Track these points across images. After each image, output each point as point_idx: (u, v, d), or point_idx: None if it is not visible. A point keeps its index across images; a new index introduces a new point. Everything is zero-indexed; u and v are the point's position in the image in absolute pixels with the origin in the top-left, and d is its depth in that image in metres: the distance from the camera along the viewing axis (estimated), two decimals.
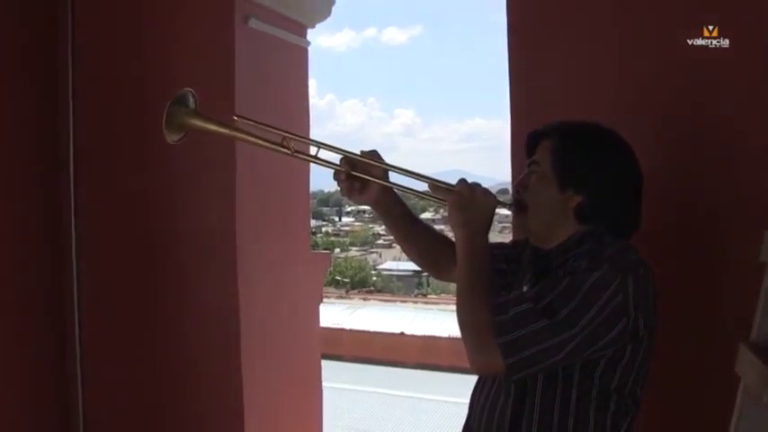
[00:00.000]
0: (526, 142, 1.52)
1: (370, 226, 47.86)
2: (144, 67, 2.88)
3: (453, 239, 1.47)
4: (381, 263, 39.78)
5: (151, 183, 2.90)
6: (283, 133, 1.48)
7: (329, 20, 3.50)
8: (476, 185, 1.42)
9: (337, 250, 36.90)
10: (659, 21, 1.93)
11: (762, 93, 1.79)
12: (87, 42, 2.96)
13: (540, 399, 1.34)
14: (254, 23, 2.84)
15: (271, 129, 1.49)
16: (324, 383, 3.59)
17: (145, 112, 2.72)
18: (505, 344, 1.26)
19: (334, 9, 3.47)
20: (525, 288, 1.45)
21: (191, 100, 1.47)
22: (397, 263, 35.24)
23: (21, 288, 2.86)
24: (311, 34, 3.42)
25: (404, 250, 1.70)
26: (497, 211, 1.46)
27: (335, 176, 1.52)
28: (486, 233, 1.42)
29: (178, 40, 2.84)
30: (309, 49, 3.40)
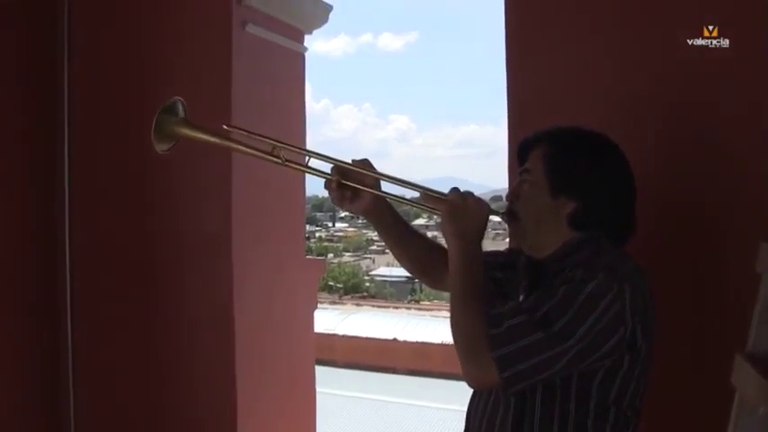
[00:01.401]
0: (517, 151, 1.51)
1: (364, 231, 47.81)
2: (141, 71, 2.87)
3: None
4: (374, 268, 39.76)
5: (147, 187, 2.89)
6: (274, 142, 1.46)
7: (325, 26, 3.50)
8: (468, 194, 1.40)
9: (330, 255, 36.86)
10: (659, 21, 1.93)
11: (762, 93, 1.79)
12: (84, 46, 2.96)
13: (539, 410, 1.33)
14: (251, 29, 2.83)
15: (261, 138, 1.47)
16: (316, 389, 3.58)
17: (141, 116, 2.70)
18: (500, 357, 1.25)
19: (330, 15, 3.48)
20: (521, 297, 1.44)
21: (180, 108, 1.46)
22: (390, 269, 35.21)
23: (13, 290, 2.84)
24: (307, 39, 3.42)
25: (397, 258, 1.68)
26: (491, 218, 1.44)
27: (326, 185, 1.50)
28: (480, 242, 1.40)
29: (176, 45, 2.83)
30: (305, 54, 3.40)
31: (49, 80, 2.95)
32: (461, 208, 1.38)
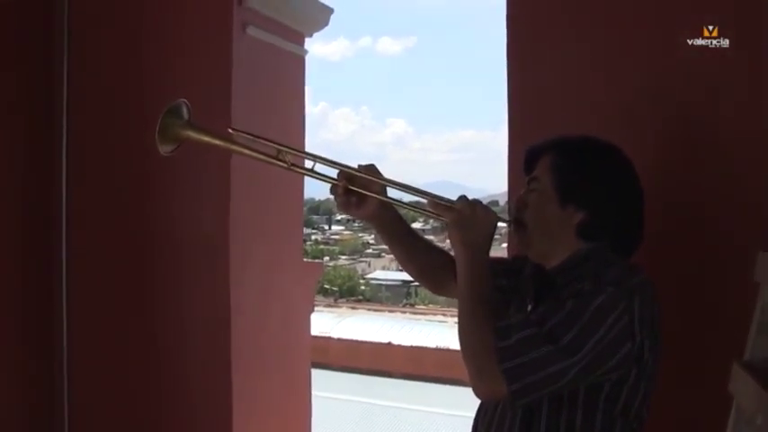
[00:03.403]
0: (525, 159, 1.50)
1: (360, 235, 47.77)
2: (141, 73, 2.86)
3: (451, 253, 1.46)
4: (370, 272, 39.71)
5: (144, 188, 2.88)
6: (279, 146, 1.45)
7: (324, 29, 3.50)
8: (476, 203, 1.39)
9: (326, 258, 36.76)
10: (659, 21, 1.93)
11: (762, 93, 1.80)
12: (83, 47, 2.94)
13: (545, 422, 1.32)
14: (252, 31, 2.83)
15: (266, 142, 1.46)
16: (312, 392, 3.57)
17: (141, 118, 2.70)
18: (509, 370, 1.24)
19: (330, 18, 3.48)
20: (530, 307, 1.43)
21: (185, 111, 1.45)
22: (386, 272, 35.18)
23: (8, 292, 2.83)
24: (307, 42, 3.42)
25: (401, 263, 1.67)
26: None
27: (332, 191, 1.49)
28: (488, 252, 1.39)
29: (176, 48, 2.83)
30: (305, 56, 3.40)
31: (48, 81, 2.94)
32: (470, 217, 1.37)
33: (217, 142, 1.48)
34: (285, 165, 1.45)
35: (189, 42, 2.81)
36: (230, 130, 1.49)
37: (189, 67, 2.78)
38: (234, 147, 1.49)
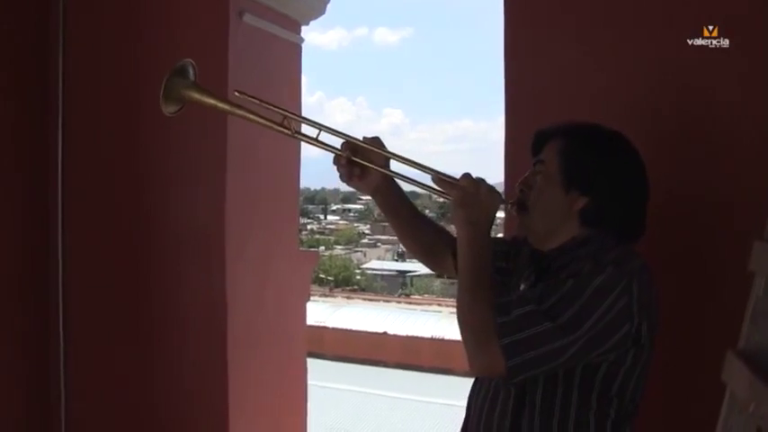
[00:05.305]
0: (533, 141, 1.48)
1: (356, 225, 47.89)
2: (138, 61, 2.84)
3: (450, 231, 1.44)
4: (366, 262, 39.80)
5: (141, 179, 2.86)
6: (284, 113, 1.41)
7: (321, 17, 3.49)
8: (481, 181, 1.37)
9: (322, 248, 36.81)
10: (659, 20, 1.92)
11: (761, 93, 1.79)
12: (79, 34, 2.91)
13: (539, 401, 1.32)
14: (248, 19, 2.81)
15: (272, 107, 1.42)
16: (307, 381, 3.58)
17: (137, 106, 2.70)
18: (508, 345, 1.24)
19: (327, 6, 3.46)
20: (522, 287, 1.43)
21: (190, 72, 1.42)
22: (382, 262, 35.30)
23: (3, 288, 2.82)
24: (303, 31, 3.41)
25: (401, 240, 1.67)
26: None
27: (335, 161, 1.46)
28: (489, 231, 1.38)
29: (173, 34, 2.80)
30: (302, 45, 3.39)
31: (43, 70, 2.90)
32: (474, 195, 1.35)
33: (221, 105, 1.44)
34: (289, 132, 1.42)
35: (186, 30, 2.78)
36: (236, 93, 1.45)
37: (185, 55, 2.74)
38: (238, 111, 1.45)
